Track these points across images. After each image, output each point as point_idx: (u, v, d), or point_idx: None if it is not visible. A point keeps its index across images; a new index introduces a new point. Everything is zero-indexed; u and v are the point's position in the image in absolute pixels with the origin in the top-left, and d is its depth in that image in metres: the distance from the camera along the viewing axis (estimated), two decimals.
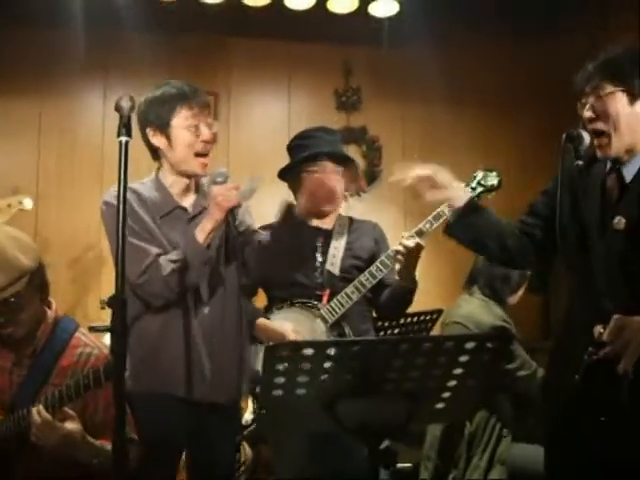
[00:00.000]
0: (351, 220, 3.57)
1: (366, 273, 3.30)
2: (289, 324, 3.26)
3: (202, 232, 2.83)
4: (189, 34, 5.70)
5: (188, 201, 3.02)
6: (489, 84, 6.12)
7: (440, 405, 2.13)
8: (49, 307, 2.77)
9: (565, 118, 2.64)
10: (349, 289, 3.28)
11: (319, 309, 3.28)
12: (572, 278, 2.61)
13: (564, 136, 2.40)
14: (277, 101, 6.02)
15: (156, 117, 2.91)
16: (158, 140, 2.93)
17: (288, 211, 3.04)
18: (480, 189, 3.35)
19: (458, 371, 2.03)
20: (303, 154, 3.42)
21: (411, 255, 3.22)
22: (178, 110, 2.89)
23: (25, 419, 2.54)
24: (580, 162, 2.37)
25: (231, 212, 2.83)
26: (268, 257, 3.15)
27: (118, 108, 2.20)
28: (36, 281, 2.67)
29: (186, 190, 3.03)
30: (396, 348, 1.96)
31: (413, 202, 5.83)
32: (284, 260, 3.36)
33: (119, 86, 5.44)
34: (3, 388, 2.67)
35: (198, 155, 2.93)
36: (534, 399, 3.64)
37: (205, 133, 2.92)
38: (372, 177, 5.95)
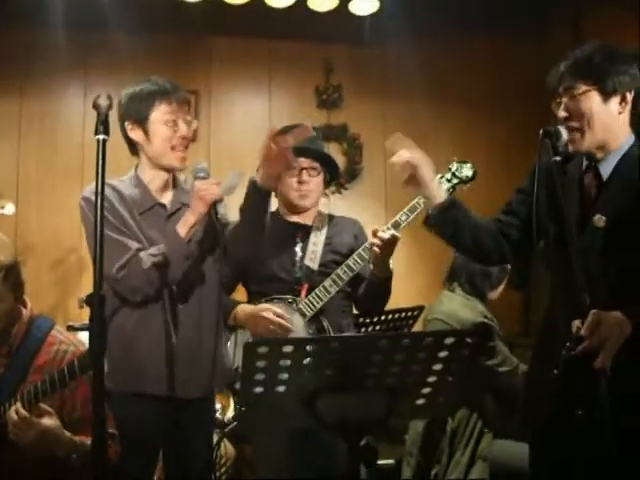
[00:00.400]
0: (331, 217, 3.60)
1: (343, 266, 3.32)
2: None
3: (184, 226, 2.84)
4: (169, 32, 5.69)
5: (167, 198, 3.03)
6: (470, 81, 6.15)
7: (420, 401, 2.13)
8: (24, 306, 2.76)
9: (548, 115, 2.66)
10: (327, 282, 3.29)
11: (297, 304, 3.29)
12: (552, 274, 2.63)
13: (541, 132, 2.42)
14: (258, 99, 6.02)
15: (135, 111, 2.94)
16: (136, 134, 2.96)
17: (252, 185, 2.97)
18: (455, 180, 3.39)
19: (438, 367, 2.03)
20: None
21: (387, 247, 3.25)
22: (157, 105, 2.92)
23: (2, 417, 2.53)
24: (558, 158, 2.38)
25: (213, 206, 2.84)
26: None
27: (96, 106, 2.20)
28: (11, 278, 2.65)
29: (165, 186, 3.04)
30: (375, 344, 1.96)
31: (394, 199, 5.89)
32: (263, 255, 3.37)
33: (99, 85, 5.40)
34: None
35: (175, 149, 2.95)
36: (516, 395, 3.66)
37: (183, 129, 2.95)
38: (353, 175, 5.97)
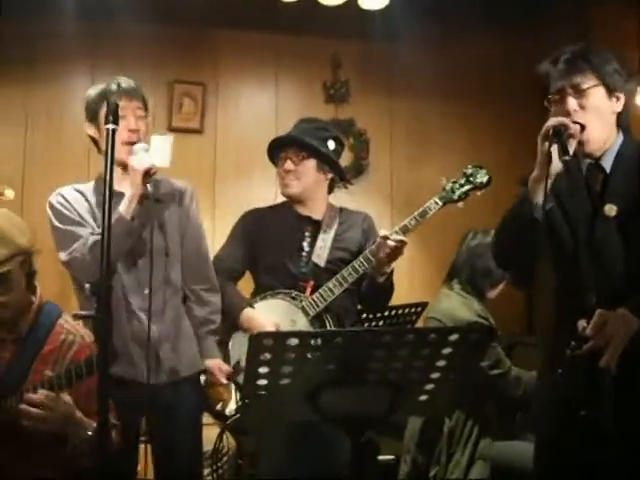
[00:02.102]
0: (341, 211, 3.59)
1: (349, 267, 3.30)
2: (272, 318, 3.29)
3: (125, 201, 2.99)
4: (177, 24, 5.67)
5: (126, 187, 3.08)
6: (478, 78, 6.13)
7: (423, 397, 2.13)
8: (34, 293, 2.77)
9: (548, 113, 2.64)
10: (331, 283, 3.29)
11: (301, 301, 3.29)
12: (557, 274, 2.62)
13: (551, 131, 2.40)
14: (265, 93, 6.00)
15: (88, 111, 3.17)
16: (92, 131, 3.18)
17: None
18: (468, 186, 3.36)
19: (441, 363, 2.03)
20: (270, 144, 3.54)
21: (394, 251, 3.22)
22: (104, 102, 3.00)
23: (13, 407, 2.54)
24: (567, 157, 2.37)
25: (149, 177, 2.97)
26: None
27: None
28: (25, 266, 2.68)
29: (123, 177, 3.11)
30: (380, 339, 1.96)
31: (399, 195, 5.90)
32: (272, 246, 3.39)
33: (107, 76, 5.38)
34: None
35: (125, 143, 3.06)
36: (509, 399, 3.66)
37: (131, 122, 3.10)
38: (359, 170, 5.96)
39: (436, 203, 3.31)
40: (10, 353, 2.68)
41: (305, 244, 3.43)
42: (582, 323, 2.22)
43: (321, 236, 3.43)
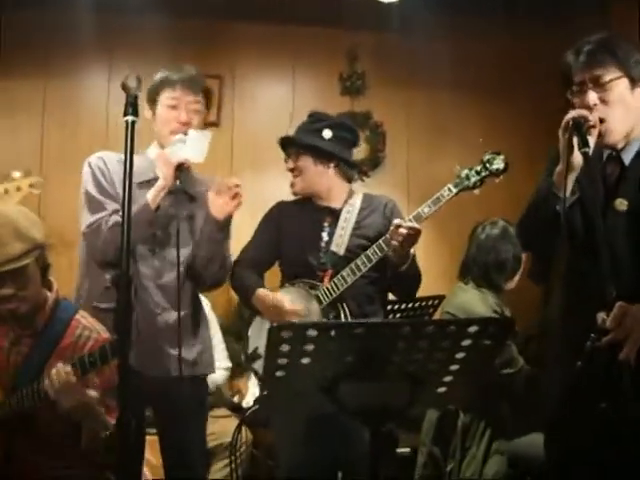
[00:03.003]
0: (364, 197, 3.57)
1: (362, 256, 3.27)
2: (287, 296, 3.30)
3: (153, 191, 3.00)
4: (194, 17, 5.68)
5: None
6: (494, 70, 6.10)
7: (442, 389, 2.13)
8: (50, 289, 2.78)
9: (568, 104, 2.62)
10: (345, 272, 3.27)
11: (317, 289, 3.29)
12: (574, 265, 2.60)
13: (571, 122, 2.38)
14: (281, 85, 6.00)
15: (149, 93, 3.19)
16: (148, 113, 3.19)
17: None
18: (485, 173, 3.29)
19: (460, 355, 2.02)
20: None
21: (408, 240, 3.17)
22: (163, 88, 3.15)
23: (29, 397, 2.55)
24: (587, 149, 2.35)
25: (180, 171, 2.99)
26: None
27: (125, 87, 2.21)
28: (41, 259, 2.69)
29: None
30: (399, 331, 1.95)
31: (416, 187, 5.87)
32: (293, 239, 3.43)
33: (124, 68, 5.42)
34: (1, 367, 2.68)
35: (173, 133, 3.11)
36: (519, 398, 3.63)
37: (182, 115, 3.12)
38: (376, 162, 5.95)
39: (450, 190, 3.24)
40: (27, 348, 2.70)
41: (324, 234, 3.43)
42: (602, 315, 2.21)
43: (340, 224, 3.42)
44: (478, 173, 3.28)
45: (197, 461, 3.27)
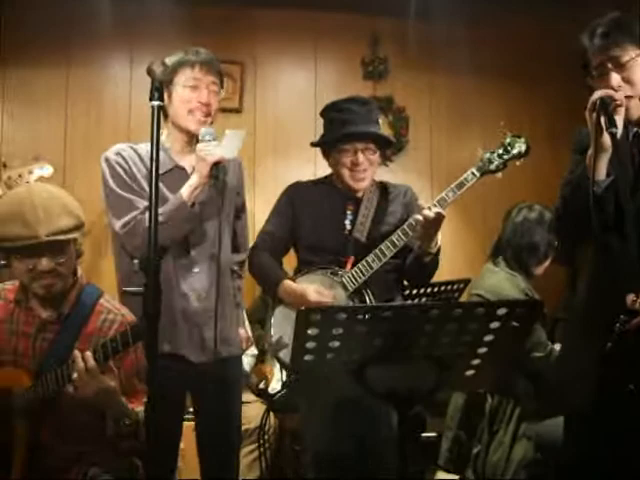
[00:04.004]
0: (383, 185, 3.54)
1: (387, 241, 3.25)
2: (312, 285, 3.27)
3: (188, 188, 2.97)
4: (215, 4, 5.66)
5: (187, 161, 3.12)
6: (516, 54, 6.06)
7: (470, 372, 2.13)
8: (75, 274, 2.80)
9: (589, 88, 2.58)
10: (370, 257, 3.25)
11: (341, 276, 3.27)
12: (605, 247, 2.57)
13: (599, 102, 2.35)
14: (303, 71, 5.98)
15: (163, 75, 2.99)
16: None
17: None
18: (507, 156, 3.28)
19: (489, 338, 2.02)
20: (337, 133, 3.37)
21: (432, 225, 3.15)
22: (181, 69, 3.08)
23: (54, 383, 2.57)
24: (614, 129, 2.32)
25: (216, 168, 2.95)
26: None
27: (150, 72, 2.21)
28: (78, 242, 2.72)
29: (185, 150, 3.15)
30: (427, 313, 1.95)
31: (439, 171, 5.85)
32: (313, 224, 3.39)
33: (145, 55, 5.43)
34: (26, 353, 2.69)
35: (193, 112, 3.08)
36: (547, 382, 3.61)
37: (203, 95, 3.09)
38: (398, 147, 5.92)
39: (473, 174, 3.23)
40: (52, 334, 2.71)
41: (347, 222, 3.40)
42: (631, 297, 2.20)
43: (362, 212, 3.39)
44: (500, 156, 3.28)
45: (235, 440, 3.33)
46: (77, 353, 2.51)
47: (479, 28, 5.88)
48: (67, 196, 2.72)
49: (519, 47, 6.06)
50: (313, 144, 3.54)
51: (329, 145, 3.43)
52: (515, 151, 3.30)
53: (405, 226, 3.25)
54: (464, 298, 3.95)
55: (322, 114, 3.52)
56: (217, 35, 5.55)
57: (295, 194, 3.50)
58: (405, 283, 3.54)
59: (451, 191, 3.21)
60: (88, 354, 2.50)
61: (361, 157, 3.34)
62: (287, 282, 3.31)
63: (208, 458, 3.24)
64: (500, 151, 3.30)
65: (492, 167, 3.27)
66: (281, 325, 3.30)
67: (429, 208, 3.14)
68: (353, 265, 3.29)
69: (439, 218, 3.14)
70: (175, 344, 3.06)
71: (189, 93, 3.08)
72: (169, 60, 3.10)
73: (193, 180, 2.98)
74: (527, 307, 2.04)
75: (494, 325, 1.99)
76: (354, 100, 3.42)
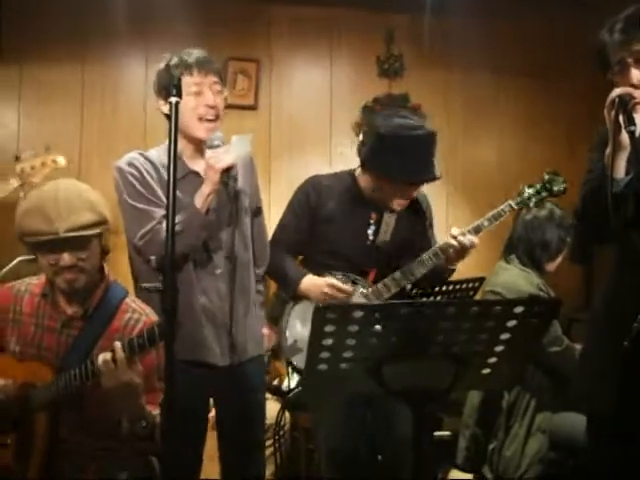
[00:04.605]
0: None
1: (417, 262, 3.28)
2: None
3: (200, 196, 2.93)
4: (231, 1, 5.68)
5: (200, 166, 3.08)
6: (532, 51, 6.05)
7: (486, 370, 2.12)
8: (102, 272, 2.80)
9: (609, 85, 2.57)
10: (398, 275, 3.26)
11: (364, 287, 3.26)
12: (621, 245, 2.56)
13: (617, 100, 2.33)
14: (319, 68, 5.98)
15: (163, 86, 3.02)
16: (166, 108, 2.98)
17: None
18: (544, 193, 3.39)
19: (505, 336, 2.01)
20: (399, 174, 3.24)
21: (465, 251, 3.24)
22: (181, 77, 2.93)
23: (77, 379, 2.57)
24: (633, 127, 2.30)
25: (226, 175, 2.92)
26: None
27: (167, 70, 2.21)
28: (104, 238, 2.74)
29: (197, 155, 3.12)
30: (444, 311, 1.95)
31: (454, 169, 5.83)
32: (334, 228, 3.35)
33: (160, 53, 5.42)
34: (51, 348, 2.71)
35: (202, 120, 3.02)
36: (566, 377, 3.61)
37: (209, 98, 3.02)
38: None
39: (511, 206, 3.34)
40: (77, 330, 2.72)
41: (370, 232, 3.38)
42: None
43: (385, 220, 3.37)
44: (539, 193, 3.38)
45: (260, 440, 3.36)
46: (117, 343, 2.49)
47: (495, 24, 5.89)
48: (94, 193, 2.73)
49: (536, 43, 6.05)
50: (374, 171, 3.34)
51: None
52: (554, 190, 3.42)
53: (437, 248, 3.30)
54: (479, 297, 3.94)
55: (382, 133, 3.24)
56: (233, 32, 5.58)
57: (316, 194, 3.42)
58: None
59: (487, 220, 3.31)
60: (118, 344, 2.49)
61: (414, 193, 3.35)
62: (310, 276, 3.31)
63: (233, 459, 3.21)
64: (539, 187, 3.41)
65: (530, 203, 3.42)
66: (296, 329, 3.29)
67: (463, 234, 3.21)
68: (376, 277, 3.28)
69: (473, 246, 3.24)
70: (199, 347, 3.02)
71: (194, 100, 3.00)
72: (165, 66, 3.03)
73: (204, 188, 2.94)
74: (545, 305, 2.03)
75: (511, 323, 1.98)
76: (425, 136, 3.27)
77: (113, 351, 2.48)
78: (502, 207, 3.31)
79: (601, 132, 2.51)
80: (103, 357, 2.48)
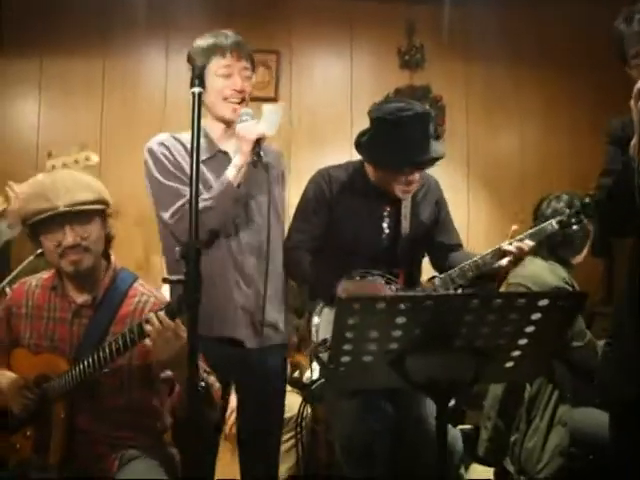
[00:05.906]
0: None
1: (457, 270, 3.23)
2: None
3: (233, 168, 2.98)
4: None
5: (229, 146, 3.12)
6: (552, 42, 6.03)
7: (509, 364, 2.11)
8: (109, 260, 2.82)
9: (629, 77, 2.54)
10: (438, 281, 3.24)
11: (397, 290, 3.23)
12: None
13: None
14: (339, 59, 5.96)
15: (201, 63, 3.04)
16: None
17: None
18: (581, 216, 3.35)
19: (530, 329, 2.00)
20: (398, 161, 3.16)
21: (521, 256, 3.23)
22: (213, 58, 3.03)
23: (91, 367, 2.57)
24: None
25: (258, 146, 2.95)
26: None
27: (191, 59, 2.21)
28: (106, 220, 2.75)
29: (226, 135, 3.15)
30: (468, 304, 1.93)
31: (476, 161, 5.80)
32: (348, 223, 3.29)
33: (181, 45, 5.44)
34: (64, 339, 2.72)
35: (227, 100, 3.07)
36: (589, 371, 3.58)
37: (237, 82, 3.07)
38: (436, 136, 5.88)
39: (552, 226, 3.29)
40: (88, 319, 2.73)
41: (385, 225, 3.32)
42: None
43: (403, 212, 3.32)
44: (577, 214, 3.34)
45: (278, 430, 3.37)
46: (151, 315, 2.45)
47: (515, 14, 5.85)
48: (91, 178, 2.77)
49: (558, 34, 6.02)
50: (367, 161, 3.32)
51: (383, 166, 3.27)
52: (590, 213, 3.35)
53: (478, 258, 3.23)
54: (502, 289, 3.92)
55: (372, 118, 3.23)
56: (253, 23, 5.56)
57: (329, 188, 3.34)
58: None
59: (529, 237, 3.24)
60: (161, 313, 2.44)
61: (417, 175, 3.25)
62: (346, 282, 3.18)
63: (251, 447, 3.23)
64: (577, 208, 3.38)
65: (570, 223, 3.36)
66: (327, 328, 3.23)
67: (521, 240, 3.19)
68: (405, 278, 3.28)
69: (530, 251, 3.26)
70: (229, 328, 3.05)
71: (222, 82, 3.05)
72: (200, 45, 3.07)
73: (237, 160, 2.98)
74: (570, 298, 2.02)
75: (535, 316, 1.97)
76: (413, 118, 3.13)
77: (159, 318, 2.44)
78: (545, 225, 3.30)
79: (614, 124, 2.48)
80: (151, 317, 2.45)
